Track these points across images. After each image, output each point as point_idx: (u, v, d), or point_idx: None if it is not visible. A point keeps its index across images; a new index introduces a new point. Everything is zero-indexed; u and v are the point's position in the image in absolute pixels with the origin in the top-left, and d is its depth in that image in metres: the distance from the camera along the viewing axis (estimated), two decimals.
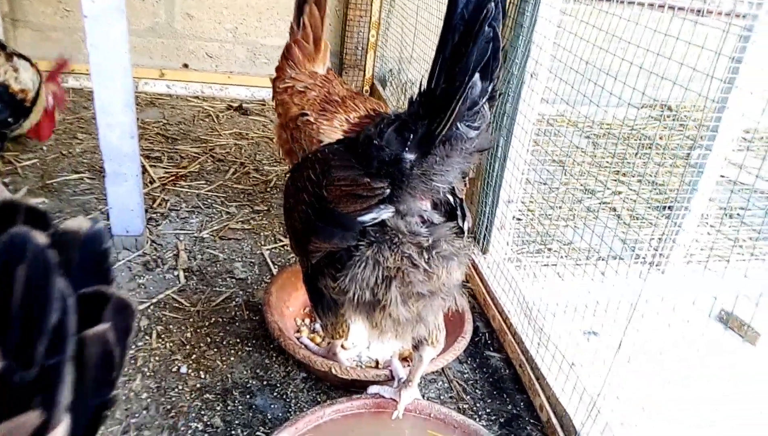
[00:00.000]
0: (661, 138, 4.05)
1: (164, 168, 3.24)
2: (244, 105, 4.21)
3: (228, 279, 2.41)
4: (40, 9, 4.05)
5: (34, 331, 0.53)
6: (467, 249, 1.44)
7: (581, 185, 3.56)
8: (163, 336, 2.07)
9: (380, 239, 1.34)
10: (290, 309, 2.15)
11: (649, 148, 3.63)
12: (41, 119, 2.78)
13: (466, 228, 1.44)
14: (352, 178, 1.35)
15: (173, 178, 3.13)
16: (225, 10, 4.26)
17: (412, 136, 1.32)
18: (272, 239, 2.73)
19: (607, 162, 3.79)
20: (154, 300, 2.23)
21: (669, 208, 3.40)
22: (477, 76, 1.22)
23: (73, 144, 3.35)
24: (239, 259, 2.55)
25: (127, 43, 2.21)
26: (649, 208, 3.46)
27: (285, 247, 2.68)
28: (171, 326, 2.12)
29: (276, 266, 2.53)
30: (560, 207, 3.22)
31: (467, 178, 1.46)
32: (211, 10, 4.24)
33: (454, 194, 1.44)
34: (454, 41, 1.24)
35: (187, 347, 2.05)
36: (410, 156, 1.32)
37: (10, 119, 2.41)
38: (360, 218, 1.35)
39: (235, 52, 4.41)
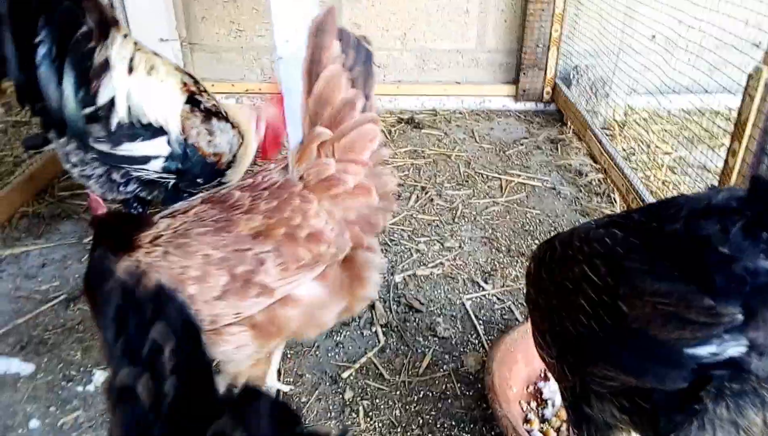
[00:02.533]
0: None
1: None
2: (415, 117, 3.93)
3: (430, 338, 2.13)
4: (214, 30, 4.07)
5: None
6: None
7: None
8: (370, 414, 1.84)
9: (733, 388, 0.94)
10: (514, 390, 1.81)
11: None
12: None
13: None
14: (682, 295, 0.96)
15: None
16: (393, 17, 4.00)
17: None
18: (470, 285, 2.40)
19: None
20: (356, 366, 2.01)
21: None
22: None
23: None
24: (438, 311, 2.27)
25: None
26: None
27: (486, 296, 2.34)
28: (377, 401, 1.89)
29: (480, 322, 2.21)
30: None
31: None
32: (379, 17, 4.00)
33: None
34: None
35: (398, 429, 1.79)
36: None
37: (199, 180, 2.30)
38: (690, 352, 0.96)
39: (403, 59, 4.14)
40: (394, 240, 2.68)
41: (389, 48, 4.09)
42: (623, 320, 1.06)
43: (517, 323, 2.17)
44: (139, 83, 2.11)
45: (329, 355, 2.06)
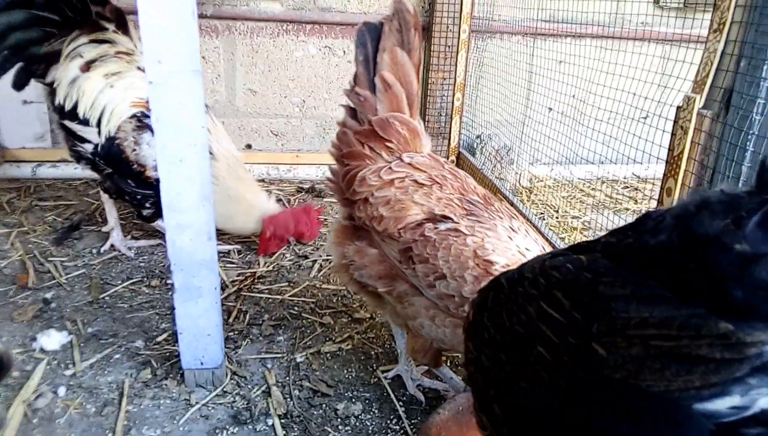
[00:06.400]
0: None
1: (236, 266, 2.66)
2: (316, 186, 3.67)
3: (341, 427, 1.74)
4: None
5: None
6: None
7: None
8: None
9: None
10: None
11: None
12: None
13: None
14: (684, 322, 0.69)
15: (249, 280, 2.53)
16: (291, 83, 3.82)
17: None
18: (386, 359, 2.06)
19: None
20: None
21: None
22: None
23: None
24: (348, 392, 1.88)
25: (202, 116, 1.67)
26: None
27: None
28: None
29: (401, 402, 1.85)
30: None
31: None
32: (276, 83, 3.80)
33: None
34: None
35: None
36: None
37: (130, 181, 2.58)
38: (703, 408, 0.68)
39: (303, 128, 3.93)
40: (294, 314, 2.30)
41: (288, 115, 3.88)
42: (600, 368, 0.77)
43: (442, 401, 1.83)
44: (87, 82, 2.48)
45: None
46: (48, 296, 2.32)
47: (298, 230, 2.81)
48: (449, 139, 3.88)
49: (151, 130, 2.44)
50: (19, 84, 2.57)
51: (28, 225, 2.92)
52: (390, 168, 1.74)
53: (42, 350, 2.00)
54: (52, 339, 2.04)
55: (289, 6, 3.70)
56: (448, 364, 2.00)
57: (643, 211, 0.88)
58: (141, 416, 1.73)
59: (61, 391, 1.81)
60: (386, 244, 1.70)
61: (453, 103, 3.80)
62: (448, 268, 1.55)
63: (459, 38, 3.65)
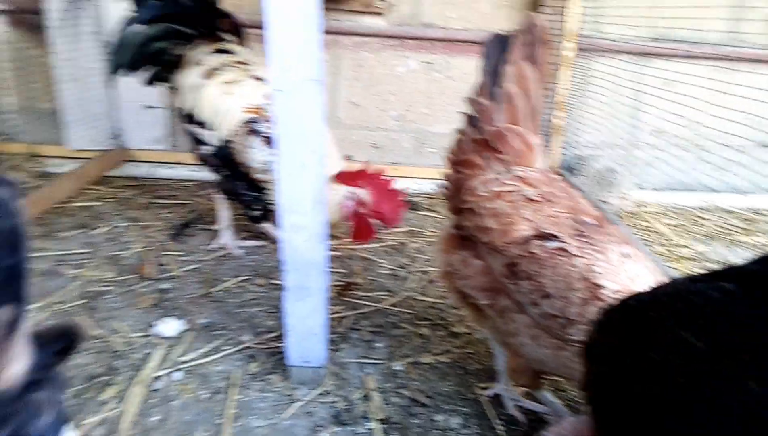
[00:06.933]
0: None
1: (334, 271, 2.74)
2: (412, 199, 3.72)
3: None
4: None
5: None
6: None
7: None
8: None
9: None
10: None
11: None
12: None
13: None
14: None
15: (347, 286, 2.60)
16: (392, 97, 3.90)
17: None
18: (484, 376, 2.05)
19: None
20: None
21: None
22: None
23: None
24: (446, 405, 1.89)
25: (323, 124, 1.75)
26: None
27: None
28: None
29: (499, 421, 1.84)
30: None
31: None
32: (378, 97, 3.90)
33: None
34: None
35: None
36: None
37: (239, 183, 2.72)
38: None
39: (401, 141, 4.00)
40: (391, 323, 2.34)
41: (387, 128, 3.96)
42: (751, 403, 0.74)
43: (542, 424, 1.80)
44: (207, 89, 2.67)
45: None
46: (165, 286, 2.50)
47: (377, 208, 2.55)
48: (548, 158, 3.82)
49: (259, 136, 2.59)
50: (147, 82, 2.85)
51: (147, 220, 3.16)
52: (500, 180, 1.74)
53: (160, 336, 2.15)
54: (170, 326, 2.19)
55: (393, 22, 3.80)
56: (551, 389, 1.96)
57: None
58: (248, 407, 1.82)
59: (177, 375, 1.95)
60: (491, 256, 1.69)
61: (554, 121, 3.74)
62: (554, 287, 1.52)
63: (562, 55, 3.59)
